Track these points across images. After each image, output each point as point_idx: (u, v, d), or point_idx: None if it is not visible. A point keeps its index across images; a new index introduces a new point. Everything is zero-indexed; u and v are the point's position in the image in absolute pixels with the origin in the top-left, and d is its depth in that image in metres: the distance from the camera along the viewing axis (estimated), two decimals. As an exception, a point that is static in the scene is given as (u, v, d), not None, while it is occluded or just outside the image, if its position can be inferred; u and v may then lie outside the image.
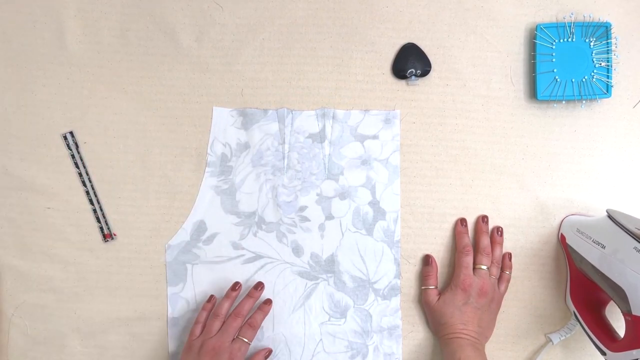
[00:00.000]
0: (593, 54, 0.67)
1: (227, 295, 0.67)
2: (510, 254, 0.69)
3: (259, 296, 0.68)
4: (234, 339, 0.64)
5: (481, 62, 0.70)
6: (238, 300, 0.67)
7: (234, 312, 0.65)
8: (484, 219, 0.69)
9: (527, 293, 0.70)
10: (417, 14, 0.69)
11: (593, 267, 0.61)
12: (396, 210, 0.69)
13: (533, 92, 0.69)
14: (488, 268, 0.67)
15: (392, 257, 0.69)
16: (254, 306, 0.67)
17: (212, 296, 0.68)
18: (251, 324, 0.65)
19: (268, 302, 0.68)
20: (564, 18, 0.68)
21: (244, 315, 0.65)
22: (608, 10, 0.69)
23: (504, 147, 0.70)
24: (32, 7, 0.69)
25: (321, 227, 0.69)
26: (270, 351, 0.68)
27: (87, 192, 0.69)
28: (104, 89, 0.70)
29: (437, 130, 0.70)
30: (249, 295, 0.67)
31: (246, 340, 0.64)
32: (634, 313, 0.55)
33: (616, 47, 0.67)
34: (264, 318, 0.67)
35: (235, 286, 0.67)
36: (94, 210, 0.69)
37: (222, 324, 0.65)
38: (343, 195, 0.70)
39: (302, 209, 0.70)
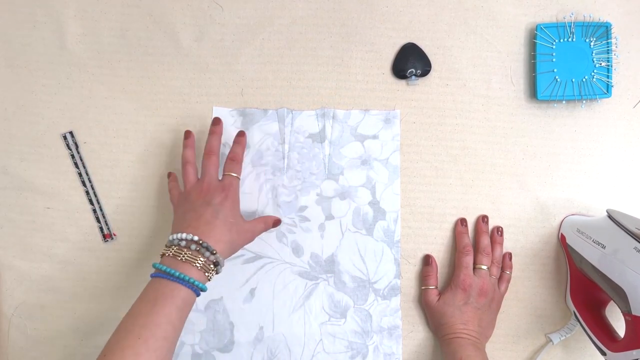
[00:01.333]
0: (593, 54, 0.67)
1: (185, 145, 0.65)
2: (510, 254, 0.69)
3: (221, 131, 0.66)
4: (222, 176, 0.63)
5: (481, 62, 0.70)
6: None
7: (206, 151, 0.64)
8: (484, 219, 0.69)
9: (527, 293, 0.70)
10: (417, 14, 0.69)
11: (593, 267, 0.61)
12: (396, 210, 0.69)
13: (533, 92, 0.69)
14: (488, 268, 0.67)
15: (392, 257, 0.69)
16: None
17: (170, 172, 0.67)
18: (233, 158, 0.64)
19: (241, 133, 0.66)
20: (564, 18, 0.68)
21: (217, 152, 0.64)
22: (608, 10, 0.69)
23: (504, 147, 0.70)
24: (32, 7, 0.69)
25: (321, 227, 0.69)
26: (279, 221, 0.67)
27: (87, 192, 0.69)
28: (104, 89, 0.70)
29: (437, 130, 0.70)
30: (211, 132, 0.65)
31: (234, 174, 0.63)
32: (634, 313, 0.55)
33: (616, 47, 0.67)
34: (243, 150, 0.66)
35: (188, 134, 0.66)
36: (94, 210, 0.69)
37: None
38: (343, 195, 0.70)
39: (302, 209, 0.70)
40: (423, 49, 0.69)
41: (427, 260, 0.69)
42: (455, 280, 0.67)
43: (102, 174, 0.70)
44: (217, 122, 0.66)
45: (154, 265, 0.56)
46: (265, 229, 0.66)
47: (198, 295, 0.56)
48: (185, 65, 0.70)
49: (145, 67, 0.70)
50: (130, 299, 0.69)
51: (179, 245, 0.56)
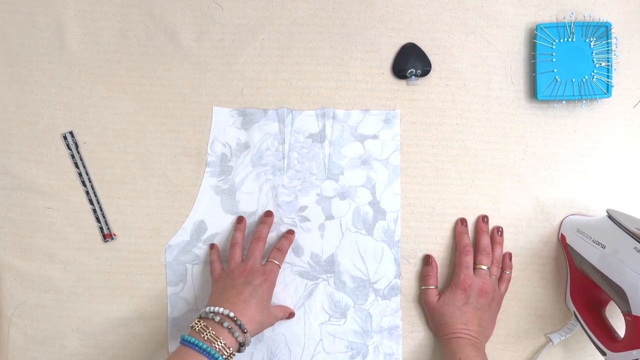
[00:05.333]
0: (593, 54, 0.67)
1: (236, 229, 0.68)
2: (510, 254, 0.69)
3: (272, 222, 0.69)
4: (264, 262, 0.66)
5: (481, 62, 0.70)
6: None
7: (254, 237, 0.67)
8: (484, 218, 0.69)
9: (527, 293, 0.70)
10: (417, 14, 0.69)
11: (593, 267, 0.61)
12: (396, 210, 0.69)
13: (533, 92, 0.69)
14: (488, 268, 0.67)
15: (392, 257, 0.69)
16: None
17: (212, 244, 0.69)
18: (279, 249, 0.67)
19: (291, 231, 0.69)
20: (564, 18, 0.68)
21: (264, 239, 0.67)
22: (608, 10, 0.69)
23: (504, 147, 0.70)
24: (32, 7, 0.69)
25: (321, 227, 0.69)
26: (294, 314, 0.69)
27: (87, 192, 0.69)
28: (104, 89, 0.70)
29: (437, 130, 0.70)
30: (262, 222, 0.68)
31: (277, 262, 0.66)
32: (634, 313, 0.55)
33: (616, 47, 0.67)
34: (290, 245, 0.69)
35: (241, 220, 0.69)
36: (94, 210, 0.69)
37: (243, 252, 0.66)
38: (343, 195, 0.70)
39: (302, 209, 0.70)
40: (423, 49, 0.69)
41: (427, 260, 0.69)
42: (456, 280, 0.67)
43: (102, 174, 0.70)
44: (269, 214, 0.69)
45: (181, 337, 0.57)
46: (283, 318, 0.68)
47: None
48: (185, 65, 0.70)
49: (145, 67, 0.70)
50: (130, 299, 0.69)
51: (212, 319, 0.57)
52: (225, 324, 0.57)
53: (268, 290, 0.63)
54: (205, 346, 0.55)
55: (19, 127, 0.69)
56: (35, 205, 0.69)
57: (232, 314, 0.58)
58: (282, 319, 0.67)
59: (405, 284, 0.70)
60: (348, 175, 0.70)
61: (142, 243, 0.70)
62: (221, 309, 0.58)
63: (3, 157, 0.69)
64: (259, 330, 0.62)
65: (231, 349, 0.57)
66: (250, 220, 0.69)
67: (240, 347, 0.58)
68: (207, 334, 0.56)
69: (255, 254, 0.65)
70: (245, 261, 0.65)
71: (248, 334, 0.58)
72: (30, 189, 0.69)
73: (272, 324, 0.65)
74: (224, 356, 0.56)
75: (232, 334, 0.57)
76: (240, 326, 0.58)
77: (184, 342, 0.57)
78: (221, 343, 0.56)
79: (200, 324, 0.57)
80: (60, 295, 0.69)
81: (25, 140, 0.69)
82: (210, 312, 0.58)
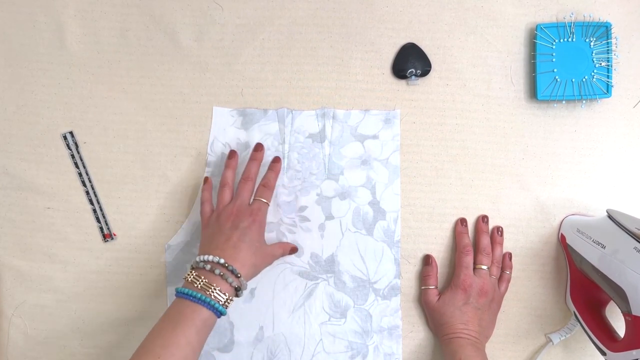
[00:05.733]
0: (593, 54, 0.67)
1: (227, 166, 0.67)
2: (510, 254, 0.69)
3: (262, 157, 0.67)
4: (250, 202, 0.64)
5: (481, 62, 0.70)
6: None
7: (243, 176, 0.65)
8: (484, 218, 0.69)
9: (527, 293, 0.70)
10: (417, 14, 0.69)
11: (593, 267, 0.61)
12: (396, 210, 0.69)
13: (533, 92, 0.69)
14: (488, 268, 0.67)
15: (392, 257, 0.69)
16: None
17: (206, 178, 0.68)
18: (265, 184, 0.65)
19: (276, 159, 0.68)
20: (564, 18, 0.68)
21: (254, 178, 0.65)
22: (608, 10, 0.69)
23: (504, 147, 0.70)
24: (32, 7, 0.69)
25: (321, 227, 0.69)
26: (296, 249, 0.68)
27: (87, 192, 0.69)
28: (104, 89, 0.70)
29: (437, 130, 0.70)
30: (251, 158, 0.67)
31: (264, 200, 0.64)
32: (634, 313, 0.55)
33: (616, 47, 0.67)
34: (276, 177, 0.67)
35: (232, 155, 0.67)
36: (94, 210, 0.69)
37: (233, 192, 0.65)
38: (343, 195, 0.70)
39: (302, 209, 0.70)
40: (423, 49, 0.69)
41: (427, 260, 0.69)
42: (456, 280, 0.67)
43: (102, 174, 0.70)
44: (259, 148, 0.67)
45: (176, 290, 0.57)
46: (283, 255, 0.67)
47: (218, 317, 0.57)
48: (185, 65, 0.70)
49: (145, 67, 0.70)
50: (130, 299, 0.69)
51: (204, 268, 0.57)
52: (217, 271, 0.57)
53: (258, 231, 0.62)
54: (199, 295, 0.55)
55: (19, 127, 0.69)
56: (35, 205, 0.69)
57: (222, 261, 0.57)
58: (282, 256, 0.66)
59: (405, 284, 0.70)
60: (348, 175, 0.70)
61: (142, 243, 0.70)
62: (211, 257, 0.57)
63: (3, 157, 0.69)
64: (255, 272, 0.61)
65: (227, 294, 0.56)
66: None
67: (237, 291, 0.58)
68: (199, 283, 0.56)
69: (243, 194, 0.64)
70: (232, 203, 0.63)
71: (242, 279, 0.58)
72: (30, 189, 0.69)
73: (269, 264, 0.64)
74: (220, 302, 0.56)
75: (226, 280, 0.57)
76: (232, 271, 0.57)
77: (179, 294, 0.56)
78: (215, 290, 0.56)
79: (192, 275, 0.57)
80: (60, 295, 0.69)
81: (25, 140, 0.69)
82: (201, 262, 0.58)
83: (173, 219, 0.69)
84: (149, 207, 0.70)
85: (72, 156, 0.70)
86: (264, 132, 0.70)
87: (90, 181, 0.70)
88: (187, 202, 0.69)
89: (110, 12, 0.69)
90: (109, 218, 0.70)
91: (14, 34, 0.69)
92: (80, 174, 0.70)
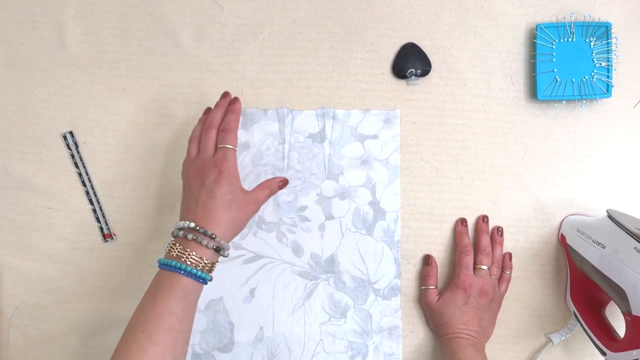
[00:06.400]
0: (593, 54, 0.67)
1: (200, 120, 0.64)
2: (510, 254, 0.69)
3: (225, 105, 0.64)
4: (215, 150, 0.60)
5: (481, 62, 0.70)
6: None
7: (204, 126, 0.62)
8: (484, 218, 0.69)
9: (527, 293, 0.70)
10: (417, 14, 0.69)
11: (593, 267, 0.61)
12: (396, 210, 0.69)
13: (533, 92, 0.69)
14: (488, 268, 0.67)
15: (392, 257, 0.69)
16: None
17: (208, 109, 0.65)
18: (225, 129, 0.61)
19: (235, 100, 0.64)
20: (564, 18, 0.68)
21: (216, 125, 0.62)
22: (608, 10, 0.69)
23: (504, 147, 0.70)
24: (32, 7, 0.69)
25: (321, 227, 0.69)
26: (286, 181, 0.65)
27: (87, 192, 0.69)
28: (104, 89, 0.70)
29: (437, 130, 0.70)
30: (216, 106, 0.64)
31: (229, 146, 0.60)
32: (634, 313, 0.55)
33: (616, 47, 0.67)
34: (237, 119, 0.63)
35: (207, 111, 0.65)
36: (94, 210, 0.69)
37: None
38: (343, 195, 0.70)
39: (302, 209, 0.70)
40: (423, 49, 0.69)
41: (427, 260, 0.69)
42: (456, 280, 0.67)
43: (102, 174, 0.70)
44: (225, 95, 0.64)
45: (158, 261, 0.56)
46: (271, 194, 0.64)
47: (204, 283, 0.55)
48: (185, 65, 0.70)
49: (145, 67, 0.70)
50: (130, 299, 0.69)
51: (179, 236, 0.56)
52: (190, 236, 0.55)
53: (228, 182, 0.58)
54: (174, 263, 0.54)
55: (19, 127, 0.69)
56: (35, 205, 0.69)
57: (192, 225, 0.55)
58: (270, 196, 0.63)
59: (405, 284, 0.70)
60: (348, 175, 0.70)
61: (142, 243, 0.70)
62: (182, 223, 0.56)
63: (3, 157, 0.69)
64: (236, 227, 0.58)
65: (204, 258, 0.55)
66: (249, 220, 0.69)
67: (218, 252, 0.56)
68: (175, 251, 0.55)
69: (206, 145, 0.60)
70: (196, 158, 0.60)
71: (218, 238, 0.56)
72: (30, 189, 0.69)
73: (255, 212, 0.61)
74: (198, 267, 0.54)
75: (200, 243, 0.55)
76: (204, 233, 0.55)
77: (159, 265, 0.55)
78: (191, 255, 0.54)
79: (169, 244, 0.56)
80: (60, 295, 0.69)
81: (25, 140, 0.69)
82: (176, 229, 0.56)
83: (173, 219, 0.69)
84: (149, 207, 0.70)
85: (72, 156, 0.70)
86: (264, 132, 0.70)
87: (90, 181, 0.70)
88: (187, 202, 0.69)
89: (110, 12, 0.70)
90: (109, 218, 0.70)
91: (14, 34, 0.69)
92: (80, 174, 0.70)
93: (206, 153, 0.60)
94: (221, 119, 0.62)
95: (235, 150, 0.61)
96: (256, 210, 0.62)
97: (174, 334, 0.53)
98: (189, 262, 0.54)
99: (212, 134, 0.61)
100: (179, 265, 0.54)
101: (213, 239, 0.56)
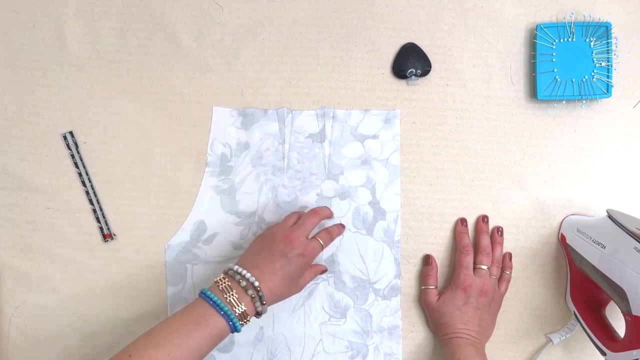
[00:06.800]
0: (593, 54, 0.67)
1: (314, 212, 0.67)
2: (510, 254, 0.69)
3: (326, 217, 0.67)
4: (309, 238, 0.63)
5: (481, 62, 0.70)
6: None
7: (313, 210, 0.66)
8: (484, 218, 0.69)
9: (527, 293, 0.70)
10: (417, 14, 0.69)
11: (593, 267, 0.61)
12: (396, 210, 0.69)
13: (533, 92, 0.69)
14: (488, 268, 0.67)
15: (392, 257, 0.69)
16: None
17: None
18: (329, 231, 0.65)
19: (342, 225, 0.68)
20: (564, 18, 0.68)
21: (321, 216, 0.65)
22: (608, 10, 0.69)
23: (504, 147, 0.70)
24: (32, 7, 0.69)
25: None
26: (325, 270, 0.68)
27: (87, 192, 0.69)
28: (104, 89, 0.70)
29: (437, 130, 0.70)
30: (325, 207, 0.68)
31: (321, 242, 0.63)
32: (634, 313, 0.55)
33: (616, 47, 0.67)
34: (338, 235, 0.67)
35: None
36: (94, 210, 0.69)
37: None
38: (343, 195, 0.70)
39: (302, 209, 0.69)
40: (423, 49, 0.69)
41: (427, 260, 0.69)
42: (456, 280, 0.67)
43: (102, 174, 0.70)
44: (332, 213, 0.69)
45: (202, 291, 0.57)
46: (312, 279, 0.66)
47: (233, 331, 0.56)
48: (185, 65, 0.70)
49: (145, 67, 0.70)
50: (130, 299, 0.69)
51: (238, 282, 0.57)
52: (250, 292, 0.56)
53: (300, 268, 0.61)
54: (226, 308, 0.55)
55: (19, 127, 0.69)
56: (35, 205, 0.69)
57: (257, 283, 0.57)
58: (307, 284, 0.65)
59: (405, 284, 0.70)
60: (348, 175, 0.70)
61: (142, 243, 0.70)
62: (248, 275, 0.57)
63: (3, 157, 0.69)
64: (276, 301, 0.60)
65: (249, 316, 0.56)
66: (249, 220, 0.69)
67: (257, 315, 0.58)
68: (230, 296, 0.55)
69: (306, 224, 0.63)
70: (293, 228, 0.63)
71: (266, 306, 0.58)
72: (30, 189, 0.69)
73: (295, 294, 0.64)
74: (241, 322, 0.56)
75: (254, 302, 0.56)
76: (261, 298, 0.57)
77: (206, 297, 0.56)
78: (242, 309, 0.55)
79: (224, 283, 0.56)
80: (60, 295, 0.69)
81: (25, 140, 0.69)
82: (237, 274, 0.57)
83: (173, 219, 0.69)
84: (149, 207, 0.70)
85: (72, 156, 0.70)
86: (264, 132, 0.70)
87: (90, 181, 0.70)
88: (187, 202, 0.69)
89: (110, 12, 0.69)
90: (109, 218, 0.70)
91: (14, 34, 0.69)
92: (80, 174, 0.70)
93: (303, 230, 0.63)
94: (326, 215, 0.67)
95: (322, 250, 0.64)
96: (297, 293, 0.64)
97: None
98: (237, 314, 0.55)
99: (316, 219, 0.65)
100: (229, 312, 0.55)
101: (263, 304, 0.57)
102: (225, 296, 0.55)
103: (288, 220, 0.64)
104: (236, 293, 0.56)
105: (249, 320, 0.56)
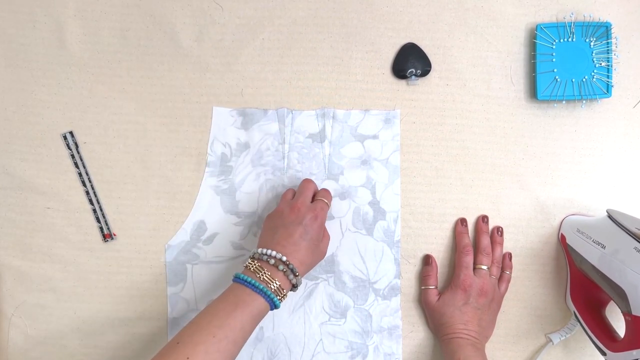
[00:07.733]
0: (593, 54, 0.67)
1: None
2: (510, 254, 0.69)
3: (316, 188, 0.68)
4: (313, 200, 0.65)
5: (481, 62, 0.70)
6: None
7: (304, 180, 0.67)
8: (484, 219, 0.69)
9: (527, 293, 0.70)
10: (417, 14, 0.69)
11: (593, 267, 0.61)
12: (396, 210, 0.69)
13: (533, 92, 0.69)
14: (488, 268, 0.67)
15: (392, 257, 0.69)
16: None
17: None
18: (325, 190, 0.67)
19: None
20: (564, 18, 0.68)
21: (313, 182, 0.66)
22: (608, 10, 0.69)
23: (504, 147, 0.70)
24: (32, 7, 0.69)
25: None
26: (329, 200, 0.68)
27: (87, 192, 0.69)
28: (104, 89, 0.70)
29: (437, 130, 0.70)
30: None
31: (326, 201, 0.65)
32: (634, 313, 0.55)
33: (616, 47, 0.67)
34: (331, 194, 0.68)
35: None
36: (94, 210, 0.69)
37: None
38: (343, 195, 0.70)
39: (302, 209, 0.69)
40: (423, 49, 0.69)
41: (427, 260, 0.69)
42: (455, 280, 0.67)
43: (102, 174, 0.70)
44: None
45: (236, 275, 0.58)
46: (329, 241, 0.67)
47: (272, 307, 0.58)
48: (185, 65, 0.70)
49: (145, 67, 0.70)
50: (130, 299, 0.69)
51: (267, 261, 0.58)
52: (281, 267, 0.58)
53: (318, 230, 0.62)
54: (262, 286, 0.56)
55: (19, 127, 0.69)
56: (35, 205, 0.69)
57: (284, 258, 0.58)
58: (327, 248, 0.67)
59: (405, 284, 0.70)
60: (348, 175, 0.70)
61: (142, 243, 0.70)
62: (274, 252, 0.58)
63: (3, 157, 0.69)
64: (308, 270, 0.62)
65: (285, 290, 0.58)
66: (249, 220, 0.69)
67: (293, 288, 0.59)
68: (262, 275, 0.57)
69: (305, 192, 0.64)
70: (295, 199, 0.64)
71: (300, 277, 0.59)
72: (30, 189, 0.69)
73: (321, 259, 0.65)
74: (278, 297, 0.57)
75: (287, 276, 0.58)
76: (292, 270, 0.58)
77: (240, 280, 0.57)
78: (276, 284, 0.57)
79: (254, 264, 0.58)
80: (60, 295, 0.69)
81: (25, 140, 0.69)
82: (264, 255, 0.59)
83: (173, 219, 0.69)
84: (149, 207, 0.70)
85: (72, 156, 0.70)
86: (264, 132, 0.70)
87: (90, 181, 0.70)
88: (187, 202, 0.69)
89: (110, 12, 0.69)
90: (109, 218, 0.70)
91: (14, 34, 0.69)
92: (80, 174, 0.70)
93: (305, 197, 0.64)
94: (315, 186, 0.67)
95: (329, 207, 0.66)
96: (321, 259, 0.65)
97: (236, 348, 0.55)
98: (273, 290, 0.57)
99: (312, 185, 0.66)
100: (265, 289, 0.56)
101: (296, 276, 0.59)
102: (258, 275, 0.57)
103: (286, 196, 0.66)
104: (268, 271, 0.57)
105: (285, 295, 0.58)
